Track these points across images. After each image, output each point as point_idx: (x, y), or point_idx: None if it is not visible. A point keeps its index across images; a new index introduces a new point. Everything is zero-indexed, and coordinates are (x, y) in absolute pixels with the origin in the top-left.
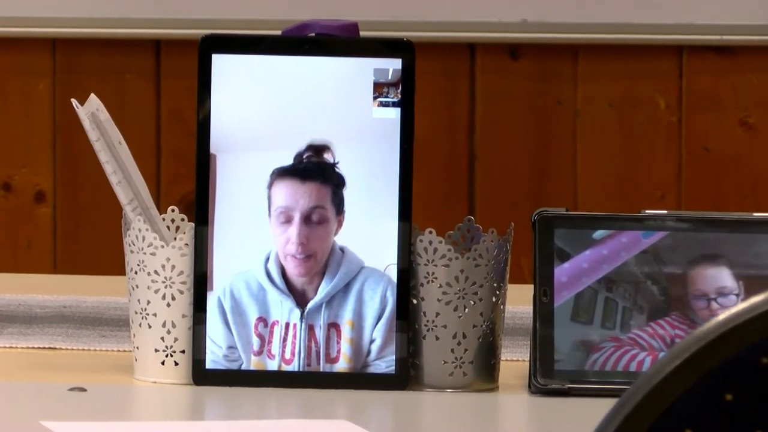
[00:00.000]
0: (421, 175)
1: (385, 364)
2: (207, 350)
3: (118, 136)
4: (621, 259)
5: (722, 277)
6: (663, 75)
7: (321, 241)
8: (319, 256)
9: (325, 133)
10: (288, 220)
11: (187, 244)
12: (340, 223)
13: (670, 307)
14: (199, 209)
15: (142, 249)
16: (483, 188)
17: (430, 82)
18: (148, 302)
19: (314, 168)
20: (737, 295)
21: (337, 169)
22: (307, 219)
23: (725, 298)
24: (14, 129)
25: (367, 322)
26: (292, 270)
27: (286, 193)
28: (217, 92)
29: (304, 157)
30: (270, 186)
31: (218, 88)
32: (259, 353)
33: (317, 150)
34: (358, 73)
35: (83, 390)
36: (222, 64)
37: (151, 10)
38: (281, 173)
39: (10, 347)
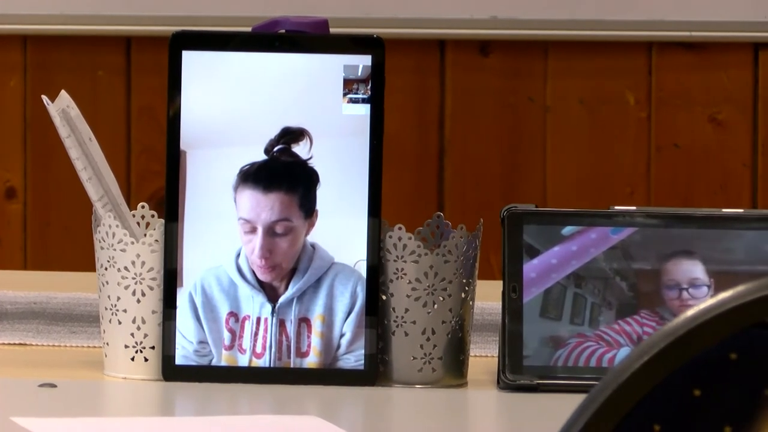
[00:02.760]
0: (390, 171)
1: (354, 359)
2: (177, 346)
3: (88, 133)
4: (590, 255)
5: (695, 269)
6: (633, 71)
7: (285, 251)
8: (285, 264)
9: (299, 126)
10: (252, 231)
11: (157, 241)
12: (311, 224)
13: (638, 304)
14: (169, 205)
15: (112, 245)
16: (452, 185)
17: (400, 78)
18: (118, 298)
19: (282, 170)
20: (708, 286)
21: (310, 165)
22: (269, 231)
23: (697, 289)
24: None
25: (338, 317)
26: (260, 275)
27: (249, 205)
28: (188, 89)
29: (275, 149)
30: (235, 189)
31: (188, 85)
32: (231, 348)
33: (291, 137)
34: (328, 69)
35: (53, 386)
36: (192, 61)
37: (121, 7)
38: (245, 178)
39: None
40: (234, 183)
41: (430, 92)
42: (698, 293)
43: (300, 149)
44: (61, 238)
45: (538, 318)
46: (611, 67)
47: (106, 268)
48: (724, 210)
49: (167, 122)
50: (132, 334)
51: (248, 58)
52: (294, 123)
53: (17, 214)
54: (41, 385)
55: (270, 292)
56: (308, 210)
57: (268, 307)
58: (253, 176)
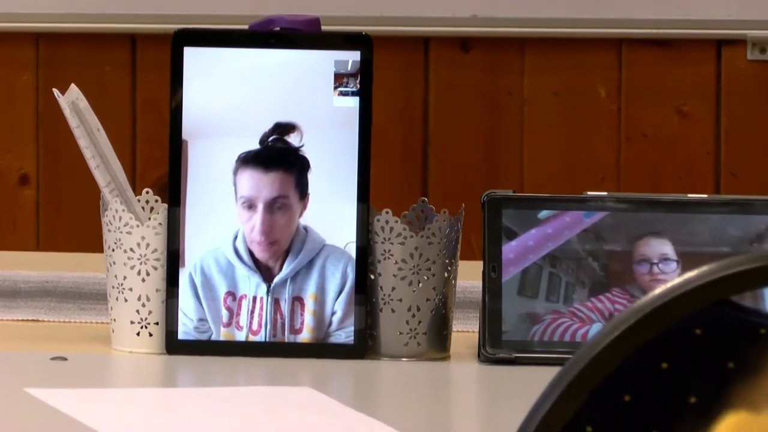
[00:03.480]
0: (378, 159)
1: (344, 335)
2: (179, 322)
3: (96, 124)
4: (564, 237)
5: (664, 246)
6: (604, 66)
7: (284, 228)
8: (283, 241)
9: (290, 120)
10: (252, 209)
11: (160, 224)
12: (304, 206)
13: (609, 282)
14: (171, 191)
15: (119, 228)
16: (436, 172)
17: (387, 73)
18: (125, 278)
19: (278, 155)
20: (677, 262)
21: (301, 152)
22: (270, 208)
23: (666, 264)
24: (0, 117)
25: (329, 295)
26: (258, 254)
27: (249, 183)
28: (189, 83)
29: (270, 139)
30: (235, 173)
31: (190, 79)
32: (228, 325)
33: (283, 129)
34: (320, 64)
35: (64, 359)
36: (193, 56)
37: (127, 6)
38: (245, 161)
39: None
40: (233, 168)
41: (414, 86)
42: (668, 268)
43: (292, 140)
44: (71, 222)
45: (515, 296)
46: (584, 62)
47: (113, 250)
48: (689, 195)
49: (170, 114)
50: (137, 311)
51: (245, 54)
52: (288, 115)
53: (30, 199)
54: (53, 359)
55: (265, 273)
56: (302, 192)
57: (264, 286)
58: (253, 159)
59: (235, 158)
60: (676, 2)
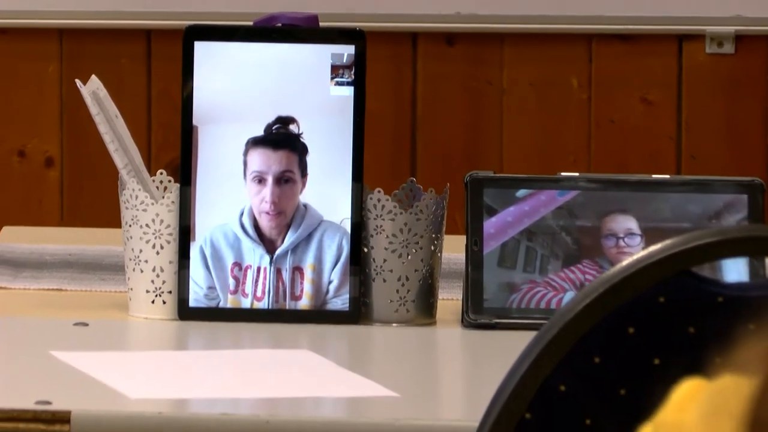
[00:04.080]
0: (371, 143)
1: (340, 302)
2: (190, 291)
3: (115, 111)
4: (540, 214)
5: (630, 222)
6: (576, 59)
7: (289, 199)
8: (288, 211)
9: (290, 108)
10: (262, 182)
11: (173, 202)
12: (304, 184)
13: (581, 255)
14: (183, 172)
15: (135, 206)
16: (423, 155)
17: (379, 65)
18: (141, 251)
19: (283, 138)
20: (641, 236)
21: (301, 139)
22: (278, 181)
23: (631, 238)
24: (28, 105)
25: (326, 266)
26: (266, 224)
27: (260, 159)
28: (199, 74)
29: (273, 128)
30: (246, 153)
31: (200, 71)
32: (235, 292)
33: (284, 121)
34: (318, 57)
35: (86, 325)
36: (203, 50)
37: (142, 4)
38: (256, 142)
39: (24, 289)
40: (244, 149)
41: (404, 77)
42: (632, 242)
43: (292, 129)
44: (92, 200)
45: (496, 267)
46: (557, 55)
47: (130, 225)
48: (653, 176)
49: (181, 102)
50: (152, 281)
51: (250, 47)
52: (289, 103)
53: (55, 180)
54: (75, 324)
55: (268, 245)
56: (303, 171)
57: (267, 258)
58: (262, 140)
59: (245, 141)
60: (641, 0)
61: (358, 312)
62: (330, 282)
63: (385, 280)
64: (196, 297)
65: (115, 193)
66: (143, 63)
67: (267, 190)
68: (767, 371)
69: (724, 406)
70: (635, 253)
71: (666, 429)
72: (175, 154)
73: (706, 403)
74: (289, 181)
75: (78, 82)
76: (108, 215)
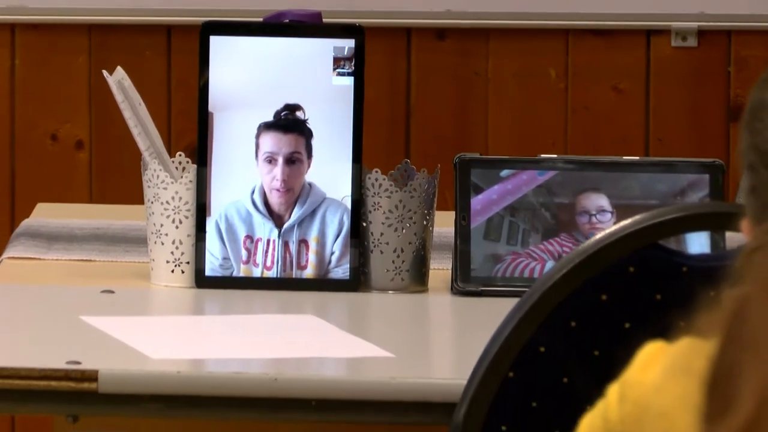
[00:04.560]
0: (369, 128)
1: (341, 271)
2: (206, 261)
3: (138, 99)
4: (522, 192)
5: (601, 201)
6: (554, 52)
7: (297, 178)
8: (296, 189)
9: (297, 96)
10: (273, 162)
11: (191, 181)
12: (309, 165)
13: (558, 229)
14: (200, 154)
15: (157, 185)
16: (416, 138)
17: (377, 57)
18: (162, 225)
19: (292, 123)
20: (612, 213)
21: (307, 125)
22: (287, 161)
23: (602, 215)
24: (60, 93)
25: (329, 239)
26: (275, 200)
27: (271, 141)
28: (214, 65)
29: (282, 114)
30: (258, 136)
31: (215, 62)
32: (247, 262)
33: (291, 108)
34: (321, 50)
35: (112, 292)
36: (218, 43)
37: (163, 2)
38: (267, 126)
39: (56, 259)
40: (256, 132)
41: (399, 68)
42: (604, 218)
43: (298, 116)
44: (117, 179)
45: (482, 240)
46: (537, 48)
47: (152, 202)
48: (623, 157)
49: (198, 91)
50: (172, 253)
51: (261, 41)
52: (295, 92)
53: (84, 161)
54: (102, 292)
55: (277, 220)
56: (309, 152)
57: (276, 231)
58: (273, 125)
59: (255, 126)
60: None
61: (358, 280)
62: (332, 253)
63: (382, 252)
64: (212, 267)
65: (138, 173)
66: (164, 55)
67: (278, 169)
68: (724, 333)
69: (684, 365)
70: (606, 228)
71: (629, 387)
72: (193, 137)
73: (666, 363)
74: (297, 161)
75: (105, 72)
76: (132, 193)
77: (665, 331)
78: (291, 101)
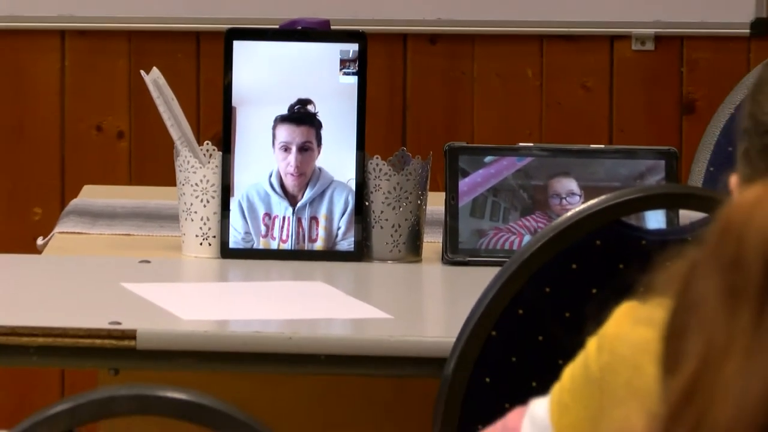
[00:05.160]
0: (370, 120)
1: (347, 244)
2: (230, 235)
3: (171, 95)
4: (503, 175)
5: (571, 185)
6: (531, 54)
7: (308, 164)
8: (308, 173)
9: (308, 92)
10: (287, 150)
11: (217, 166)
12: (319, 152)
13: (534, 207)
14: (225, 143)
15: (187, 169)
16: (412, 129)
17: (377, 59)
18: (191, 204)
19: (304, 116)
20: (580, 196)
21: (317, 117)
22: (300, 149)
23: (572, 197)
24: (103, 90)
25: (336, 216)
26: (290, 183)
27: (286, 132)
28: (237, 66)
29: (295, 108)
30: (274, 127)
31: (237, 64)
32: (266, 236)
33: (303, 103)
34: (329, 53)
35: (148, 262)
36: (240, 47)
37: (194, 12)
38: (282, 119)
39: (100, 234)
40: (273, 124)
41: (396, 69)
42: (573, 200)
43: (309, 109)
44: (153, 165)
45: (468, 217)
46: (517, 51)
47: (183, 184)
48: (590, 146)
49: (223, 88)
50: (200, 228)
51: (277, 45)
52: (307, 89)
53: (125, 149)
54: (140, 262)
55: (291, 200)
56: (318, 141)
57: (290, 209)
58: (288, 117)
59: (273, 118)
60: (582, 8)
61: (361, 252)
62: (339, 228)
63: (381, 227)
64: (235, 240)
65: (171, 159)
66: (194, 58)
67: (292, 157)
68: (677, 290)
69: (648, 318)
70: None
71: (606, 339)
72: (218, 128)
73: (635, 317)
74: (308, 149)
75: (142, 72)
76: (166, 176)
77: (627, 296)
78: (303, 96)
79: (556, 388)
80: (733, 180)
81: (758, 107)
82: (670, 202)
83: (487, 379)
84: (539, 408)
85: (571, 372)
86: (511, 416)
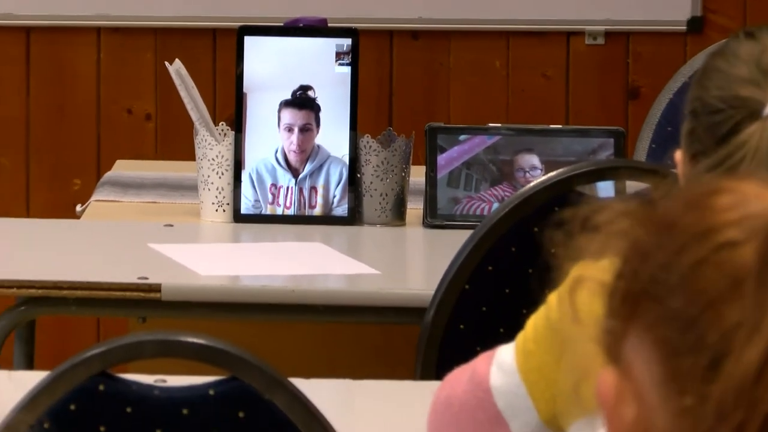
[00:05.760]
0: (362, 104)
1: (341, 210)
2: (242, 203)
3: (191, 83)
4: (475, 151)
5: (533, 160)
6: (498, 48)
7: (308, 142)
8: (308, 150)
9: (309, 80)
10: (291, 131)
11: (230, 143)
12: (318, 132)
13: (501, 179)
14: (237, 123)
15: (205, 146)
16: (397, 112)
17: (368, 52)
18: (208, 176)
19: (305, 101)
20: (541, 170)
21: (316, 102)
22: (301, 130)
23: (534, 171)
24: (133, 79)
25: (332, 186)
26: (293, 158)
27: (289, 115)
28: (248, 58)
29: (297, 94)
30: (279, 110)
31: (248, 56)
32: (272, 203)
33: (305, 89)
34: (327, 46)
35: (171, 226)
36: (251, 42)
37: (211, 11)
38: (286, 103)
39: (130, 202)
40: (278, 108)
41: (384, 61)
42: (535, 173)
43: (310, 94)
44: (176, 142)
45: (446, 187)
46: (486, 46)
47: (201, 159)
48: (550, 126)
49: (236, 77)
50: (216, 196)
51: (282, 40)
52: (307, 77)
53: (152, 129)
54: (165, 225)
55: (294, 172)
56: (317, 123)
57: (293, 180)
58: (291, 102)
59: (279, 102)
60: (542, 8)
61: (354, 217)
62: (334, 197)
63: (371, 196)
64: (246, 207)
65: (191, 137)
66: (210, 51)
67: (294, 137)
68: (621, 252)
69: (601, 270)
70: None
71: (564, 294)
72: (232, 111)
73: (589, 273)
74: (308, 130)
75: (167, 63)
76: (186, 152)
77: (582, 255)
78: (304, 83)
79: (520, 337)
80: (678, 155)
81: (705, 91)
82: (618, 174)
83: (462, 326)
84: (506, 354)
85: (534, 322)
86: (479, 362)
